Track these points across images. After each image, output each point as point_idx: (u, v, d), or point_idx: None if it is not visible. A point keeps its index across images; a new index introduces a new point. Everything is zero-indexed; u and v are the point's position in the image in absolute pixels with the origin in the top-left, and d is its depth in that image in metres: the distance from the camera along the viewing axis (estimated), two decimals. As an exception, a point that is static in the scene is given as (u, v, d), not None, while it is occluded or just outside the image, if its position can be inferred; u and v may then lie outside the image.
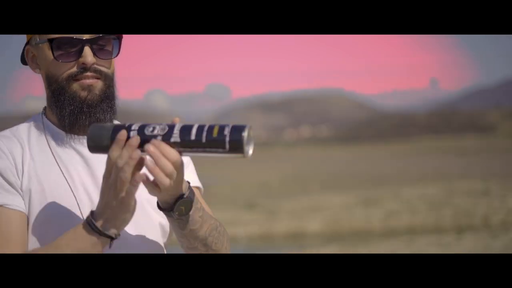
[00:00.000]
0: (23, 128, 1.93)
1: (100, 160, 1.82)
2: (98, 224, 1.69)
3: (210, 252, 1.86)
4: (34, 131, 1.92)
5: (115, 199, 1.66)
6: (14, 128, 1.93)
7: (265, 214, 16.96)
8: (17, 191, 1.83)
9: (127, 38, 1.95)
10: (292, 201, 18.56)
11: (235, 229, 15.27)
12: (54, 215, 1.82)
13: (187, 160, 1.99)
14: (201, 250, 1.85)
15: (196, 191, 1.88)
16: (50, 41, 1.85)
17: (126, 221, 1.71)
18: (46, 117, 1.94)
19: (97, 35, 1.86)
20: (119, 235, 1.71)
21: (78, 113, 1.85)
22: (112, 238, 1.70)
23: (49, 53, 1.87)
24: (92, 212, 1.71)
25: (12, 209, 1.81)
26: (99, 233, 1.69)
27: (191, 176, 1.97)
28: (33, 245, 1.82)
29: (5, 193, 1.81)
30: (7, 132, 1.92)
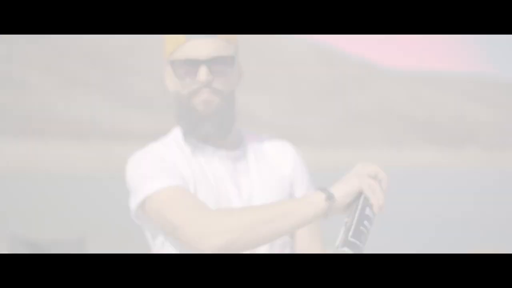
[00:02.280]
0: (169, 140, 2.14)
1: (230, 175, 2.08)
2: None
3: None
4: (178, 143, 2.13)
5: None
6: (164, 141, 2.13)
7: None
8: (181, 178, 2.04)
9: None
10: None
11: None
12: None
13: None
14: None
15: None
16: (172, 62, 2.07)
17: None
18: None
19: (214, 57, 2.04)
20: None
21: (194, 125, 2.06)
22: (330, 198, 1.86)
23: (173, 72, 2.09)
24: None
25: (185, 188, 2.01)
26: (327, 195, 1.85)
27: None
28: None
29: (175, 177, 2.01)
30: (158, 144, 2.12)
